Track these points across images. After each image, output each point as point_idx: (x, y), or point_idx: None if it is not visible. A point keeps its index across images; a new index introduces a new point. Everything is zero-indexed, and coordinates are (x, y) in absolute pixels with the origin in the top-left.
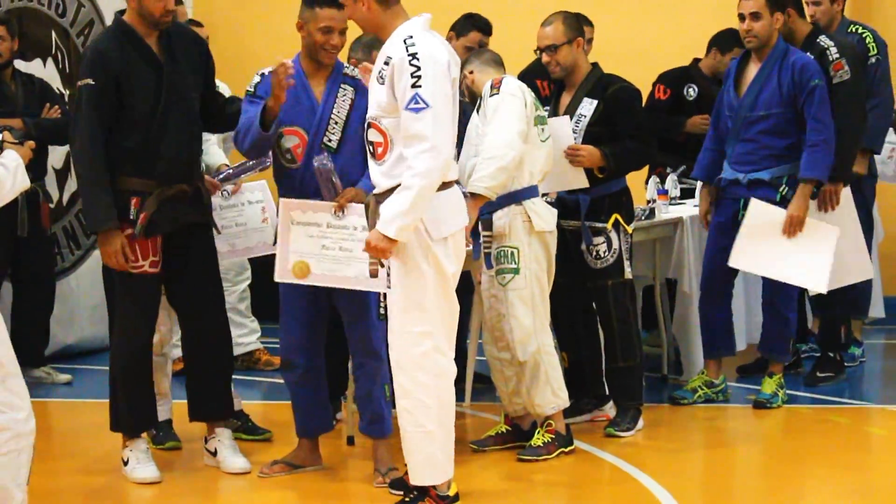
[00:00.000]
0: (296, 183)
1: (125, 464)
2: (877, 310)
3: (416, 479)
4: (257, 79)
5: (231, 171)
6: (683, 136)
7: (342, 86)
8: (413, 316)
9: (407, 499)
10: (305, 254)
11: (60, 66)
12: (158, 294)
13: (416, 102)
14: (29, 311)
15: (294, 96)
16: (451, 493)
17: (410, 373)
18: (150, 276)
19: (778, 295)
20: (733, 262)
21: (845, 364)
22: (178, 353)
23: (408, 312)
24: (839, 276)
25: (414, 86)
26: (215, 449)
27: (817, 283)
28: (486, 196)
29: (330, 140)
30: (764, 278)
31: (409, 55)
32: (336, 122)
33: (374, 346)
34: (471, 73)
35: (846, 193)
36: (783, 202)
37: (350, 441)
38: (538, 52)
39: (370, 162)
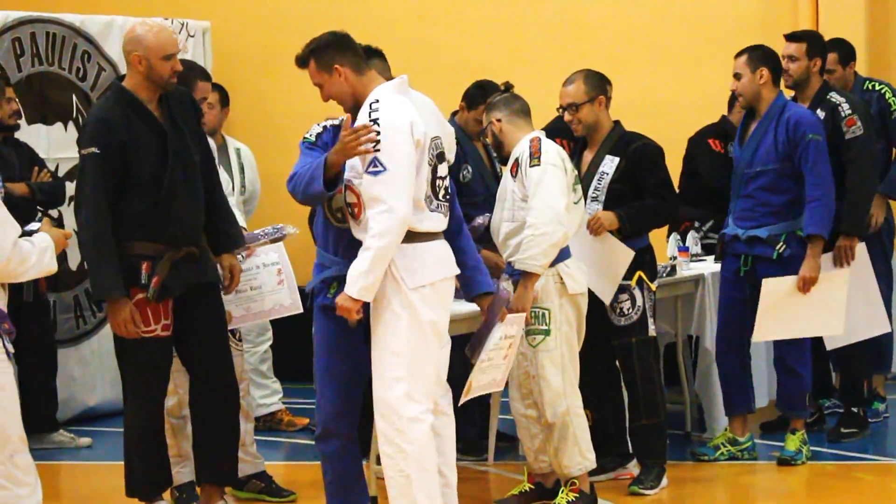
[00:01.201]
0: (340, 244)
1: None
2: None
3: None
4: (319, 129)
5: (249, 235)
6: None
7: None
8: (388, 361)
9: None
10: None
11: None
12: (170, 356)
13: (375, 166)
14: (33, 378)
15: None
16: None
17: (388, 418)
18: (163, 340)
19: (789, 352)
20: (757, 336)
21: (869, 420)
22: None
23: (383, 358)
24: (855, 329)
25: (374, 150)
26: None
27: (836, 327)
28: (539, 273)
29: None
30: (774, 343)
31: (370, 121)
32: None
33: None
34: (498, 121)
35: (860, 248)
36: (780, 260)
37: (373, 502)
38: (560, 110)
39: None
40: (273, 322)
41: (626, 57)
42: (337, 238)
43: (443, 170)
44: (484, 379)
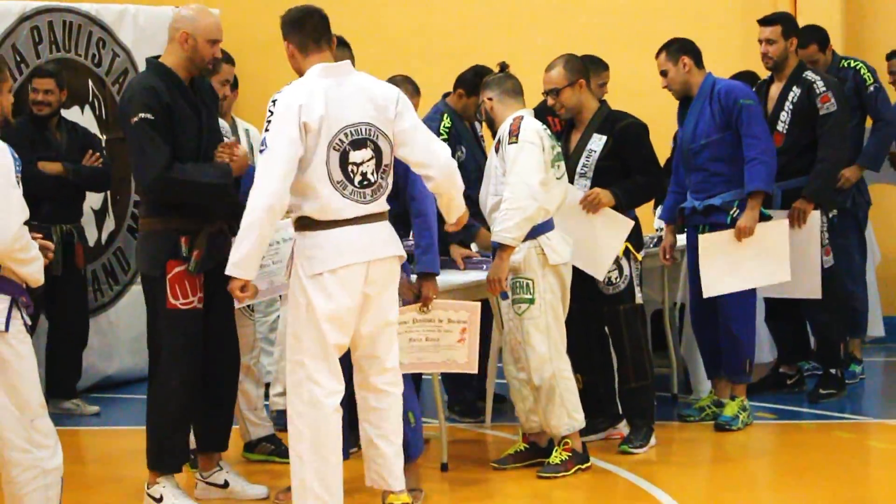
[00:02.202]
0: None
1: (158, 501)
2: (876, 329)
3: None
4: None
5: None
6: None
7: None
8: (291, 344)
9: None
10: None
11: (97, 112)
12: (202, 328)
13: (262, 145)
14: (63, 347)
15: None
16: None
17: (290, 398)
18: (198, 311)
19: (733, 320)
20: (706, 292)
21: (846, 381)
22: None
23: (288, 340)
24: (787, 288)
25: (265, 129)
26: (225, 480)
27: (783, 273)
28: (512, 245)
29: None
30: (727, 304)
31: (271, 102)
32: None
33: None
34: (490, 99)
35: (815, 215)
36: (733, 224)
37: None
38: (544, 94)
39: None
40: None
41: (616, 42)
42: None
43: (359, 156)
44: (429, 357)
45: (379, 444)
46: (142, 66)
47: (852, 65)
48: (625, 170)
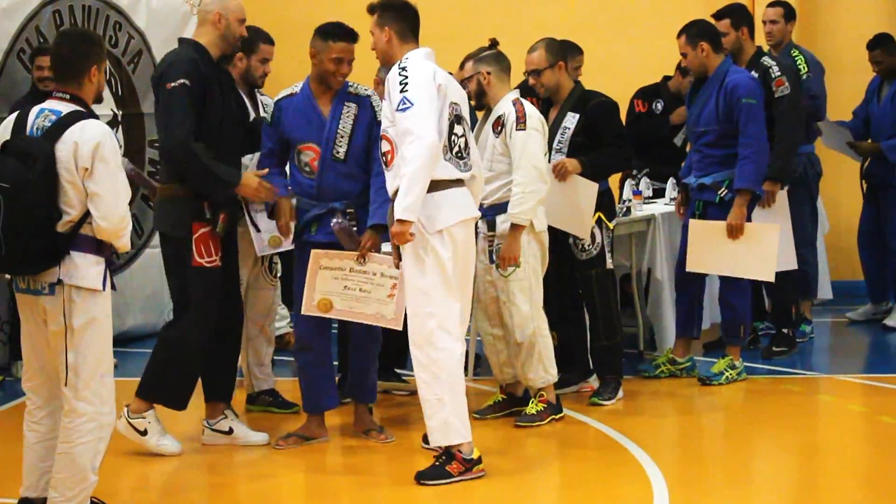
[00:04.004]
0: (313, 191)
1: (143, 434)
2: (824, 292)
3: (434, 441)
4: (271, 107)
5: None
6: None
7: (346, 103)
8: (419, 299)
9: (437, 462)
10: (329, 292)
11: (114, 90)
12: (222, 283)
13: (404, 103)
14: None
15: (305, 116)
16: (475, 456)
17: (422, 348)
18: (219, 269)
19: (728, 288)
20: (689, 267)
21: (797, 340)
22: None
23: (415, 296)
24: None
25: (402, 91)
26: (230, 427)
27: (766, 274)
28: (525, 225)
29: (338, 152)
30: (719, 278)
31: (399, 68)
32: (342, 136)
33: (375, 332)
34: (489, 73)
35: (782, 194)
36: (721, 203)
37: None
38: (526, 74)
39: (385, 173)
40: (281, 256)
41: (590, 27)
42: (308, 187)
43: (459, 130)
44: (359, 307)
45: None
46: (155, 48)
47: (794, 54)
48: (597, 145)
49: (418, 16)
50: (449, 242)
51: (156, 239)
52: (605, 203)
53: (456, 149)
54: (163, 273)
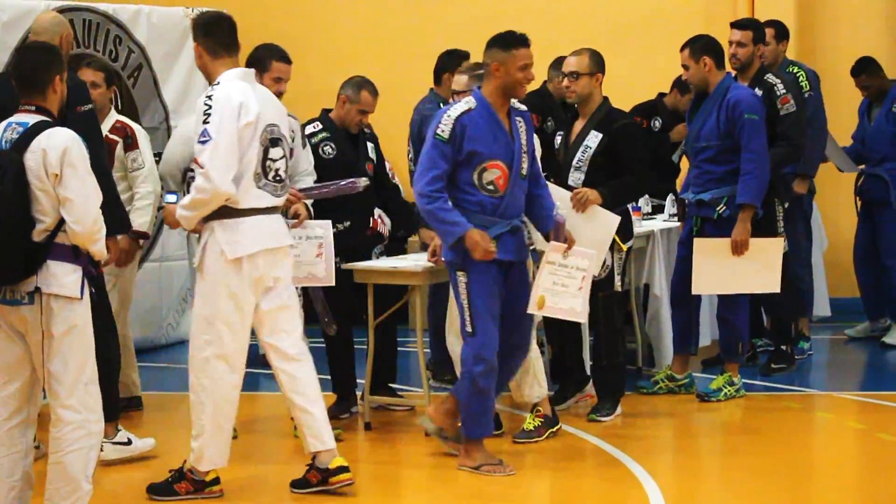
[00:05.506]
0: (496, 210)
1: (128, 444)
2: (823, 309)
3: (189, 460)
4: (450, 123)
5: (319, 186)
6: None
7: (517, 118)
8: (200, 324)
9: (169, 479)
10: (544, 289)
11: (114, 103)
12: None
13: (204, 136)
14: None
15: (491, 132)
16: (208, 478)
17: (195, 373)
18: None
19: (727, 306)
20: (696, 290)
21: (795, 357)
22: None
23: (197, 321)
24: None
25: (204, 122)
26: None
27: (772, 286)
28: None
29: (523, 168)
30: (718, 294)
31: (206, 97)
32: (524, 153)
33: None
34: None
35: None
36: (720, 220)
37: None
38: (561, 76)
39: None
40: None
41: (585, 43)
42: (490, 204)
43: (275, 153)
44: (559, 302)
45: (310, 409)
46: (155, 63)
47: (794, 71)
48: (617, 166)
49: (233, 28)
50: (248, 271)
51: (156, 252)
52: (620, 224)
53: (272, 173)
54: (161, 287)
